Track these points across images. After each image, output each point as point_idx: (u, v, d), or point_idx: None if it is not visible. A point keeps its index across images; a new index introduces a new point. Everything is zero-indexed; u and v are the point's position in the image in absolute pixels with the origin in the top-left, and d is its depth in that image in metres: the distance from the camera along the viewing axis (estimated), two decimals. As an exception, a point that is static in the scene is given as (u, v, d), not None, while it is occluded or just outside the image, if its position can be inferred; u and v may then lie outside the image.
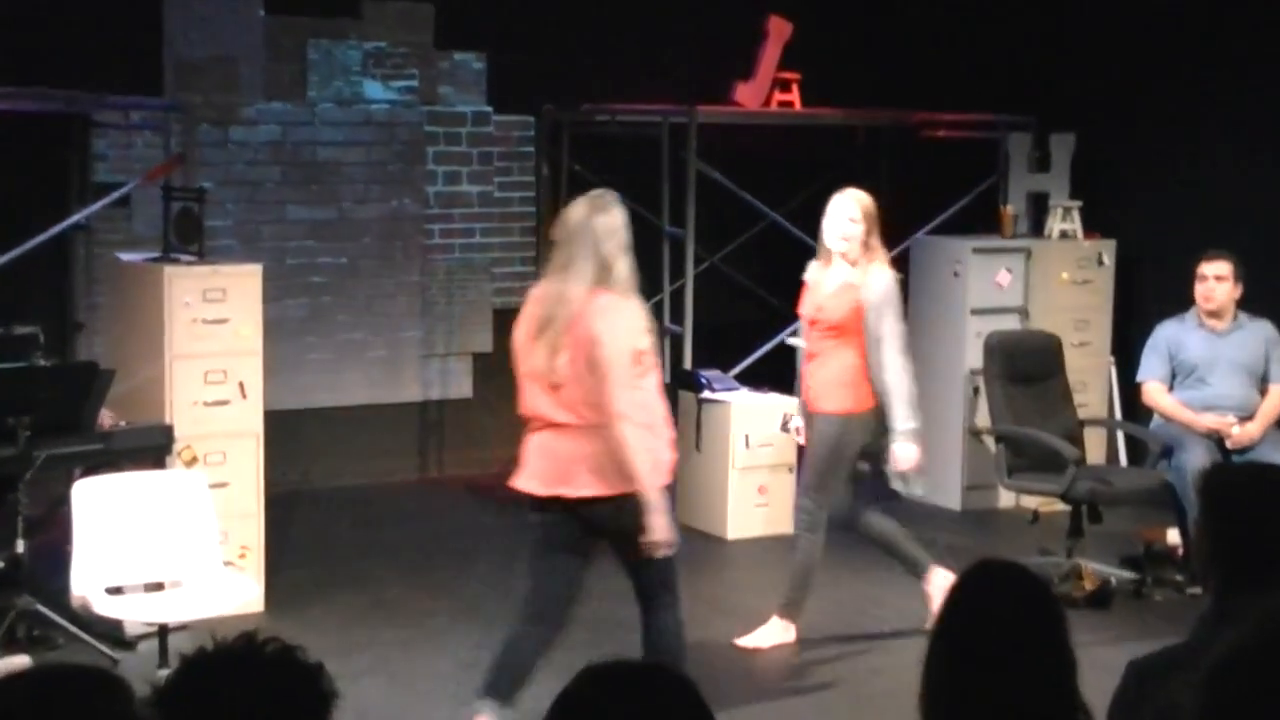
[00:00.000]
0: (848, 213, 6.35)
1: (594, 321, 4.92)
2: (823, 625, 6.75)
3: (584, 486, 5.00)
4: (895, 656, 6.30)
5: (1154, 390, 7.64)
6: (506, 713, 5.16)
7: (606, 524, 5.05)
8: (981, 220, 9.35)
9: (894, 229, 9.82)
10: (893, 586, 7.19)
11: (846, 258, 6.37)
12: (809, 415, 6.50)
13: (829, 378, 6.37)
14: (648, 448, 4.96)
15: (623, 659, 2.20)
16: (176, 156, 8.07)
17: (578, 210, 5.08)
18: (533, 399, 5.09)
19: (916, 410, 6.37)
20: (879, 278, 6.32)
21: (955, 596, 2.69)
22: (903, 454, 6.35)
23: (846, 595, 7.19)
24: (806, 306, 6.49)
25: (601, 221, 5.02)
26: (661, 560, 5.10)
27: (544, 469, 5.06)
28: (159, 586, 5.90)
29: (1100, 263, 9.13)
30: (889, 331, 6.28)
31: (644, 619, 5.26)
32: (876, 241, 6.38)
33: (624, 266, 5.01)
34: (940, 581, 6.46)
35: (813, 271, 6.53)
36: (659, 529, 4.99)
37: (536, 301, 5.11)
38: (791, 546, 6.61)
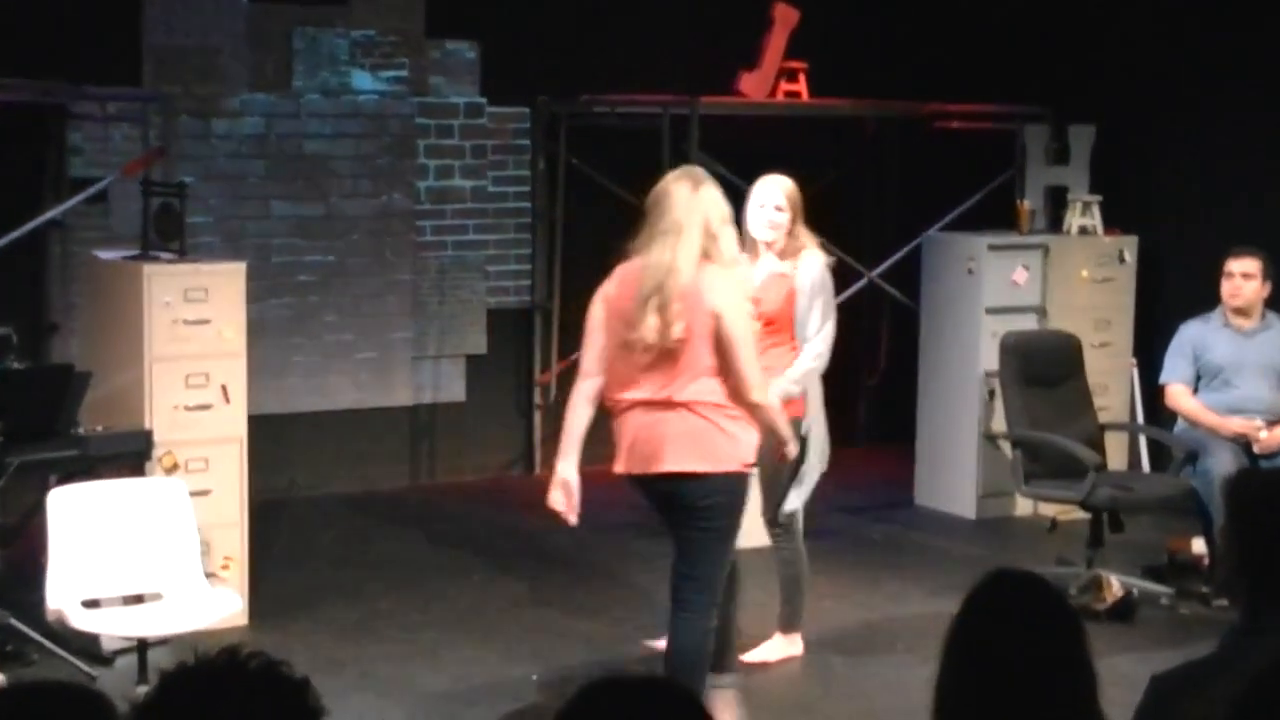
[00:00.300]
0: (774, 200, 6.23)
1: (710, 296, 5.14)
2: (832, 639, 6.74)
3: (673, 463, 5.18)
4: (907, 671, 6.29)
5: (1178, 393, 7.64)
6: (731, 678, 5.68)
7: (688, 501, 5.22)
8: (997, 216, 9.34)
9: (905, 224, 9.88)
10: (905, 599, 7.19)
11: (772, 248, 6.25)
12: None
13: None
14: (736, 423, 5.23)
15: (623, 674, 2.20)
16: (156, 149, 8.07)
17: (680, 183, 5.28)
18: (625, 377, 5.26)
19: (800, 387, 6.13)
20: (812, 263, 6.23)
21: (969, 608, 2.68)
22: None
23: (856, 608, 7.18)
24: None
25: (708, 194, 5.27)
26: (716, 559, 5.30)
27: (639, 450, 5.25)
28: (138, 599, 5.90)
29: (1121, 260, 9.13)
30: (817, 321, 6.18)
31: (675, 614, 5.36)
32: (802, 228, 6.26)
33: (730, 238, 5.28)
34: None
35: None
36: (793, 449, 5.63)
37: (634, 274, 5.24)
38: (776, 561, 6.49)
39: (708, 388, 5.17)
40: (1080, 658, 2.67)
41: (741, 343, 5.16)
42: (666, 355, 5.16)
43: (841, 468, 9.02)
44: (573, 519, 5.39)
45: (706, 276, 5.16)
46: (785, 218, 6.22)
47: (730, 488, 5.23)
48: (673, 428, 5.18)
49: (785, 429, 5.52)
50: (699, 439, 5.17)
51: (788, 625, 6.54)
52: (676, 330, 5.12)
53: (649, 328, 5.14)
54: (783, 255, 6.25)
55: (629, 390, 5.25)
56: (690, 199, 5.23)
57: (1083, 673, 2.67)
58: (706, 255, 5.18)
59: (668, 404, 5.18)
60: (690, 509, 5.22)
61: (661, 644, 6.00)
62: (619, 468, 5.33)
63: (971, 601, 2.70)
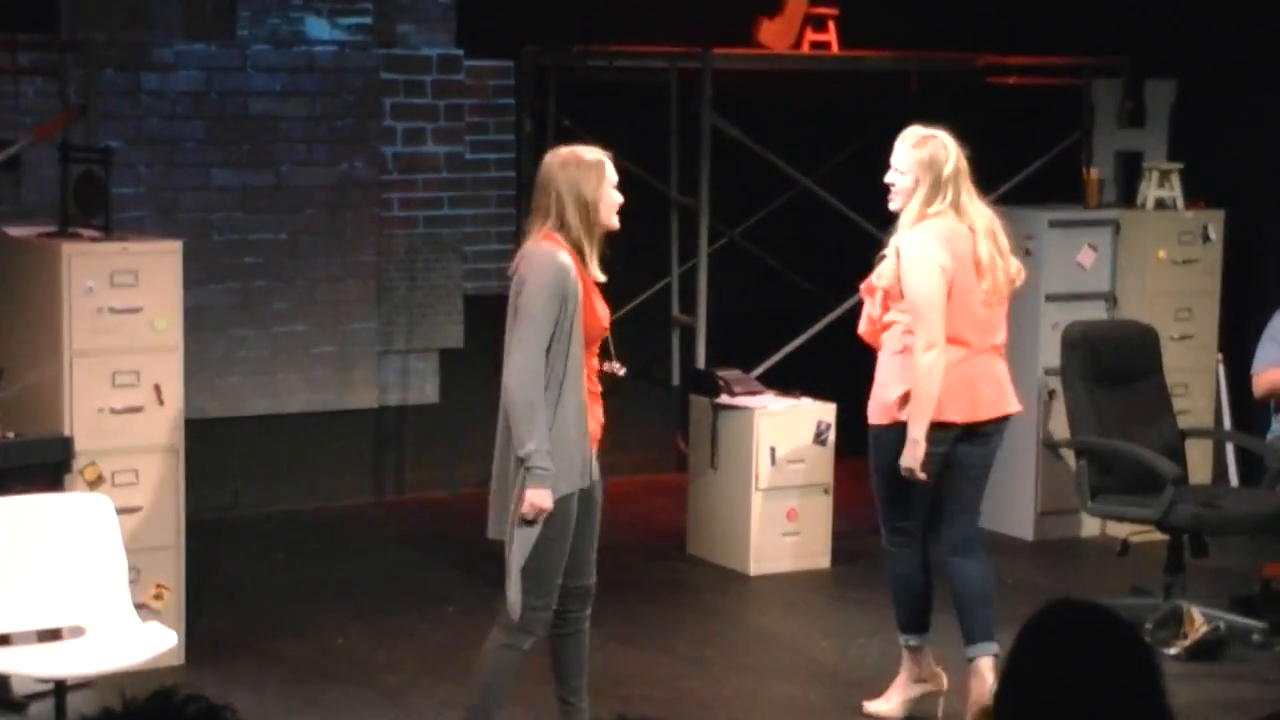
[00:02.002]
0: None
1: (1010, 250, 6.41)
2: (864, 680, 6.76)
3: (1013, 403, 6.43)
4: None
5: (1272, 378, 7.55)
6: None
7: (999, 441, 6.44)
8: (1060, 186, 9.35)
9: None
10: (952, 634, 7.20)
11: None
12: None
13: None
14: None
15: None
16: (76, 108, 8.07)
17: (953, 140, 6.29)
18: (972, 326, 6.28)
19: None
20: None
21: (1023, 647, 2.68)
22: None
23: (894, 645, 7.19)
24: (545, 304, 5.61)
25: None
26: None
27: (985, 396, 6.31)
28: (55, 635, 5.91)
29: (1206, 238, 9.13)
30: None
31: (966, 559, 6.38)
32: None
33: None
34: None
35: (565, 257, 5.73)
36: None
37: (951, 236, 6.23)
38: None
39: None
40: (1156, 704, 2.67)
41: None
42: (996, 303, 6.33)
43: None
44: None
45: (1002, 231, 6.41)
46: None
47: None
48: (1002, 370, 6.39)
49: None
50: (1009, 380, 6.46)
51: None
52: (1021, 275, 6.39)
53: (1002, 278, 6.29)
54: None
55: (965, 341, 6.25)
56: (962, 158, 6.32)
57: (1158, 720, 2.67)
58: None
59: (995, 350, 6.37)
60: (995, 449, 6.41)
61: None
62: (958, 417, 6.23)
63: (1026, 639, 2.70)
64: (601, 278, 5.69)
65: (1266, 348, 7.70)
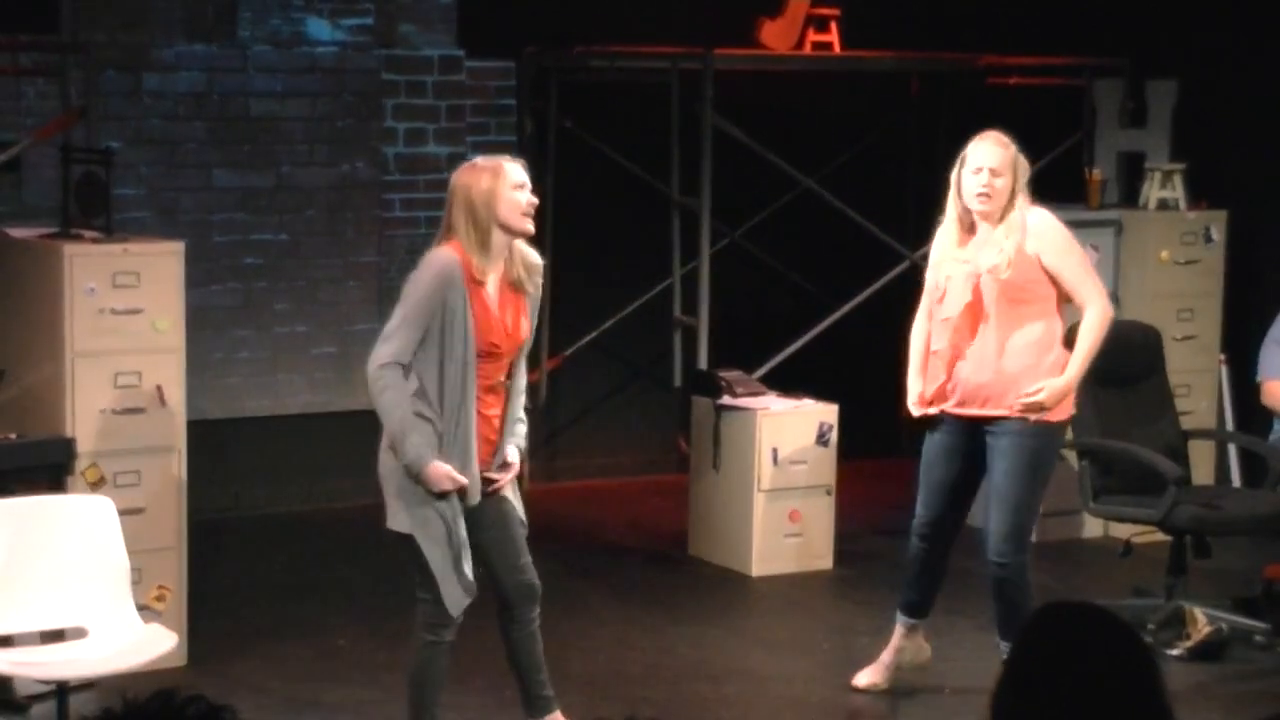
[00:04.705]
0: None
1: None
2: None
3: None
4: (956, 719, 6.34)
5: (1277, 389, 7.59)
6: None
7: None
8: (1062, 187, 9.33)
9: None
10: (954, 635, 7.22)
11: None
12: None
13: None
14: None
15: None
16: (76, 110, 8.09)
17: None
18: None
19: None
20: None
21: (1021, 650, 2.68)
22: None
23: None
24: None
25: None
26: None
27: None
28: (58, 636, 5.92)
29: (1208, 239, 9.14)
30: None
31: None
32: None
33: None
34: None
35: None
36: None
37: None
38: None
39: None
40: (1156, 706, 2.67)
41: None
42: None
43: (879, 482, 9.04)
44: None
45: None
46: None
47: None
48: None
49: None
50: None
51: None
52: None
53: None
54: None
55: None
56: None
57: (1158, 722, 2.67)
58: None
59: None
60: None
61: None
62: None
63: (1024, 642, 2.70)
64: (488, 286, 5.63)
65: (1271, 353, 7.71)
